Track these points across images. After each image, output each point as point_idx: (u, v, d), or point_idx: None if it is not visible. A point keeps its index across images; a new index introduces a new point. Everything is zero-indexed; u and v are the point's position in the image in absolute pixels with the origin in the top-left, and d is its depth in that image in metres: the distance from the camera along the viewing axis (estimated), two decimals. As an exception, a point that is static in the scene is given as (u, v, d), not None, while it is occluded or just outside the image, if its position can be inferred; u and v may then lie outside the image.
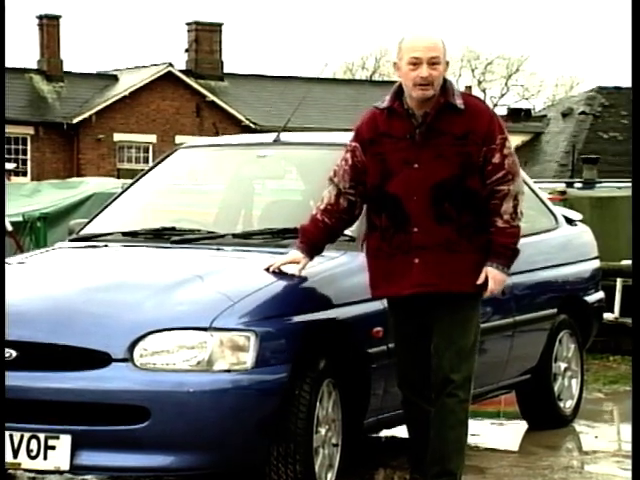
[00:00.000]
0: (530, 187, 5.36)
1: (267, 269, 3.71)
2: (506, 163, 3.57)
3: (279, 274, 3.73)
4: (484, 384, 4.74)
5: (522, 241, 5.07)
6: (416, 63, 3.51)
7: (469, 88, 37.43)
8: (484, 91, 47.02)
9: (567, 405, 5.27)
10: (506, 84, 47.08)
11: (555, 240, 5.29)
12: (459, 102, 3.58)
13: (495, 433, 5.37)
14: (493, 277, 3.57)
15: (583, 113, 28.18)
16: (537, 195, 5.34)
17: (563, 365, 5.24)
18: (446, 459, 3.58)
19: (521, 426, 5.34)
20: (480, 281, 3.56)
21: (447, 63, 3.58)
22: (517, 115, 33.60)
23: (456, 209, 3.54)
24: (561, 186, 8.81)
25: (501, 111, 40.94)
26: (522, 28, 64.38)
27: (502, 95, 47.40)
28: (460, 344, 3.57)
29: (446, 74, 3.59)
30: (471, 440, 5.17)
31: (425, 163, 3.54)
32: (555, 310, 5.13)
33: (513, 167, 3.59)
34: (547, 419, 5.22)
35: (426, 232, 3.53)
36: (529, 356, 5.00)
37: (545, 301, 5.07)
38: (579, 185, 9.49)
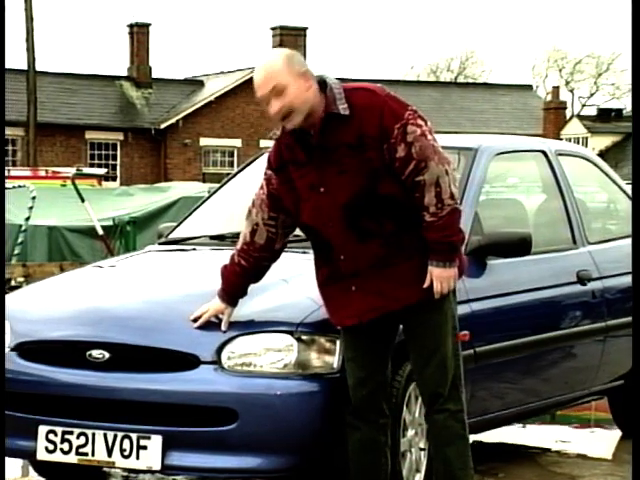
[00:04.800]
0: (622, 189, 5.26)
1: (195, 320, 3.51)
2: (413, 152, 3.21)
3: None
4: (575, 389, 4.66)
5: (614, 244, 5.06)
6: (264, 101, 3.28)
7: (556, 89, 36.75)
8: (572, 91, 46.21)
9: (662, 412, 5.13)
10: (595, 83, 46.17)
11: (648, 243, 5.16)
12: (342, 107, 3.24)
13: (586, 440, 5.26)
14: (436, 277, 3.27)
15: (676, 112, 27.32)
16: (629, 197, 5.22)
17: (657, 371, 5.10)
18: (454, 478, 3.36)
19: (614, 433, 5.21)
20: (426, 284, 3.28)
21: (302, 75, 3.21)
22: (607, 115, 32.71)
23: (376, 221, 3.27)
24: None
25: (590, 111, 40.06)
26: (612, 24, 63.02)
27: (591, 95, 46.49)
28: (438, 355, 3.32)
29: (306, 86, 3.21)
30: (561, 447, 5.07)
31: (330, 184, 3.26)
32: (648, 314, 5.01)
33: (424, 152, 3.22)
34: (641, 426, 5.09)
35: (354, 258, 3.29)
36: (622, 361, 4.87)
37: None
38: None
